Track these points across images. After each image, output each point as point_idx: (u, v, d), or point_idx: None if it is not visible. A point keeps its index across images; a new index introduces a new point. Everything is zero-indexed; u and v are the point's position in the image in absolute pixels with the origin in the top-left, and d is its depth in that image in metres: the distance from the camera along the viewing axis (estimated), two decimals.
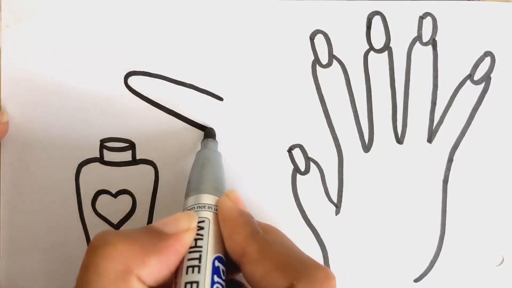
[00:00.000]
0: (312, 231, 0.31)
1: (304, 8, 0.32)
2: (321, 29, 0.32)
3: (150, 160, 0.31)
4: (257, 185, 0.31)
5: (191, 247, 0.23)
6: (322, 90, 0.32)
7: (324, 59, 0.32)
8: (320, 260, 0.31)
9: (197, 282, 0.21)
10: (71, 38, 0.31)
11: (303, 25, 0.32)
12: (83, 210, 0.31)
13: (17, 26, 0.31)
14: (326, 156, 0.32)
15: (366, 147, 0.32)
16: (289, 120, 0.31)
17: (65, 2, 0.31)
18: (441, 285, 0.31)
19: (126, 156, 0.31)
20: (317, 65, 0.32)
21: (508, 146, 0.32)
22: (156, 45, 0.31)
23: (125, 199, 0.31)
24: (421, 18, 0.32)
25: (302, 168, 0.32)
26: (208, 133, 0.30)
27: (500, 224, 0.32)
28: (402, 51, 0.32)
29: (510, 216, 0.32)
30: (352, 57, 0.32)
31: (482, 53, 0.32)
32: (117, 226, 0.31)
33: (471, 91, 0.32)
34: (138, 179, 0.31)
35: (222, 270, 0.23)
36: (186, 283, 0.21)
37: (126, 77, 0.31)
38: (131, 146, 0.31)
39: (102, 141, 0.31)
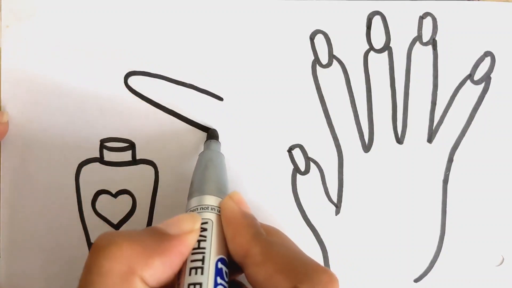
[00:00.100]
0: (312, 231, 0.31)
1: (304, 8, 0.32)
2: (321, 29, 0.32)
3: (150, 160, 0.31)
4: (257, 185, 0.31)
5: (194, 249, 0.23)
6: (322, 90, 0.32)
7: (324, 59, 0.32)
8: (320, 260, 0.31)
9: (200, 284, 0.21)
10: (71, 38, 0.31)
11: (303, 25, 0.32)
12: (83, 210, 0.31)
13: (17, 26, 0.31)
14: (326, 156, 0.32)
15: (366, 147, 0.32)
16: (289, 120, 0.31)
17: (65, 2, 0.31)
18: (441, 285, 0.31)
19: (126, 156, 0.31)
20: (317, 65, 0.32)
21: (508, 146, 0.32)
22: (156, 45, 0.31)
23: (125, 199, 0.31)
24: (421, 18, 0.32)
25: (302, 168, 0.32)
26: (211, 134, 0.30)
27: (500, 224, 0.32)
28: (402, 51, 0.32)
29: (510, 216, 0.32)
30: (352, 57, 0.32)
31: (482, 53, 0.32)
32: (117, 226, 0.31)
33: (471, 91, 0.32)
34: (138, 179, 0.31)
35: (225, 271, 0.23)
36: (189, 285, 0.21)
37: (126, 77, 0.31)
38: (131, 146, 0.31)
39: (102, 141, 0.31)
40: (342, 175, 0.32)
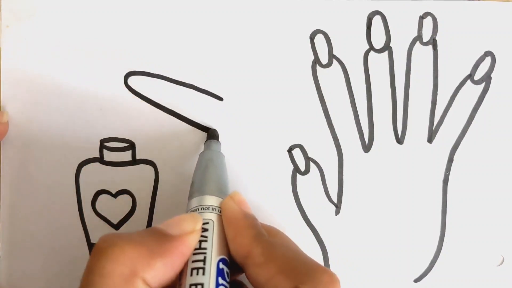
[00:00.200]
0: (312, 231, 0.31)
1: (304, 8, 0.31)
2: (321, 29, 0.32)
3: (150, 160, 0.31)
4: (257, 185, 0.31)
5: (195, 249, 0.23)
6: (322, 90, 0.32)
7: (324, 59, 0.32)
8: (320, 260, 0.31)
9: (202, 284, 0.21)
10: (71, 38, 0.31)
11: (303, 25, 0.32)
12: (83, 210, 0.31)
13: (17, 26, 0.31)
14: (326, 156, 0.32)
15: (366, 147, 0.32)
16: (289, 120, 0.31)
17: (65, 2, 0.31)
18: (441, 285, 0.31)
19: (126, 156, 0.31)
20: (317, 65, 0.32)
21: (508, 146, 0.32)
22: (156, 45, 0.31)
23: (125, 199, 0.31)
24: (421, 18, 0.32)
25: (302, 168, 0.31)
26: (211, 134, 0.30)
27: (500, 224, 0.32)
28: (402, 51, 0.32)
29: (510, 216, 0.32)
30: (352, 57, 0.32)
31: (482, 53, 0.32)
32: (117, 226, 0.31)
33: (471, 91, 0.32)
34: (138, 179, 0.31)
35: (227, 272, 0.23)
36: (190, 285, 0.21)
37: (126, 77, 0.31)
38: (131, 146, 0.31)
39: (102, 141, 0.31)
40: (342, 175, 0.32)
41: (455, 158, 0.32)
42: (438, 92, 0.32)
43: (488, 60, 0.32)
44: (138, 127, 0.31)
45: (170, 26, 0.31)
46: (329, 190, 0.32)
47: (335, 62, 0.32)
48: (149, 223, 0.31)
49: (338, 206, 0.32)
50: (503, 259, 0.32)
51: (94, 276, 0.20)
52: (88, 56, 0.31)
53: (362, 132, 0.32)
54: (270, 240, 0.23)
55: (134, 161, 0.31)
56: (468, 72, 0.32)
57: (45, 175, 0.31)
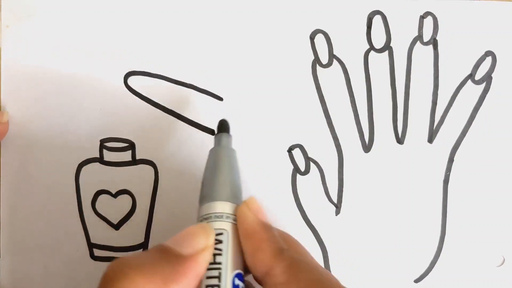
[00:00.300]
0: (312, 231, 0.31)
1: (304, 7, 0.31)
2: (321, 28, 0.32)
3: (150, 160, 0.31)
4: (257, 185, 0.31)
5: (209, 263, 0.21)
6: (322, 90, 0.32)
7: (324, 59, 0.32)
8: (320, 260, 0.31)
9: None
10: (71, 38, 0.31)
11: (303, 24, 0.31)
12: (83, 210, 0.31)
13: (17, 26, 0.31)
14: (326, 156, 0.31)
15: (366, 147, 0.32)
16: (289, 120, 0.31)
17: (65, 2, 0.31)
18: (441, 286, 0.31)
19: (126, 156, 0.31)
20: (317, 65, 0.32)
21: (508, 146, 0.32)
22: (156, 45, 0.31)
23: (125, 199, 0.31)
24: (422, 17, 0.32)
25: (302, 168, 0.31)
26: (221, 126, 0.27)
27: (501, 224, 0.31)
28: (403, 50, 0.32)
29: (510, 216, 0.32)
30: (353, 57, 0.32)
31: (483, 53, 0.32)
32: (117, 226, 0.31)
33: (472, 91, 0.32)
34: (138, 179, 0.31)
35: (242, 287, 0.21)
36: None
37: (126, 77, 0.31)
38: (131, 146, 0.31)
39: (102, 141, 0.31)
40: (342, 175, 0.32)
41: (455, 158, 0.32)
42: (439, 92, 0.32)
43: (488, 60, 0.32)
44: (138, 127, 0.31)
45: (170, 26, 0.31)
46: (329, 190, 0.32)
47: (335, 62, 0.32)
48: (149, 223, 0.31)
49: (338, 206, 0.32)
50: (504, 259, 0.31)
51: None
52: (88, 56, 0.31)
53: (362, 132, 0.32)
54: (292, 257, 0.22)
55: (134, 161, 0.31)
56: (468, 72, 0.32)
57: (45, 175, 0.31)
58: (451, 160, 0.32)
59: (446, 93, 0.32)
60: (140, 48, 0.31)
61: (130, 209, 0.31)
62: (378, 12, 0.32)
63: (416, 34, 0.32)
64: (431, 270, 0.31)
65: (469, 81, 0.32)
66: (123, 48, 0.31)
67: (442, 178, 0.32)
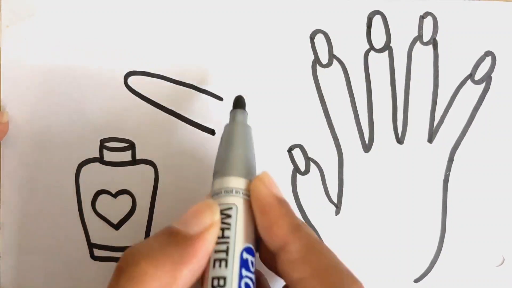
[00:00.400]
0: None
1: (304, 7, 0.31)
2: (321, 28, 0.32)
3: (150, 160, 0.31)
4: None
5: (218, 237, 0.21)
6: (322, 90, 0.32)
7: (324, 59, 0.32)
8: None
9: (225, 278, 0.20)
10: (71, 38, 0.31)
11: (303, 24, 0.31)
12: (83, 210, 0.31)
13: (17, 26, 0.31)
14: (326, 156, 0.32)
15: (366, 147, 0.32)
16: (289, 120, 0.31)
17: (65, 2, 0.31)
18: (441, 286, 0.31)
19: (126, 156, 0.31)
20: (317, 65, 0.32)
21: (508, 146, 0.32)
22: (156, 45, 0.31)
23: (125, 199, 0.31)
24: (422, 17, 0.32)
25: (302, 168, 0.31)
26: (237, 102, 0.27)
27: (501, 224, 0.32)
28: (403, 50, 0.32)
29: (510, 216, 0.32)
30: (353, 57, 0.32)
31: (482, 53, 0.32)
32: (117, 226, 0.31)
33: (471, 91, 0.32)
34: (138, 179, 0.31)
35: (251, 261, 0.21)
36: (213, 278, 0.21)
37: (126, 77, 0.31)
38: (131, 146, 0.31)
39: (102, 141, 0.31)
40: (342, 175, 0.32)
41: (455, 158, 0.32)
42: (439, 92, 0.32)
43: (488, 60, 0.32)
44: (138, 127, 0.31)
45: (170, 26, 0.31)
46: (329, 190, 0.32)
47: (335, 62, 0.32)
48: (149, 223, 0.31)
49: (338, 206, 0.32)
50: (504, 259, 0.31)
51: None
52: (88, 56, 0.31)
53: (362, 132, 0.32)
54: (308, 235, 0.22)
55: (134, 161, 0.31)
56: (468, 72, 0.32)
57: (45, 175, 0.31)
58: (451, 160, 0.32)
59: (446, 93, 0.32)
60: (140, 48, 0.31)
61: (130, 209, 0.31)
62: (378, 12, 0.32)
63: (416, 34, 0.32)
64: (431, 270, 0.31)
65: (469, 81, 0.32)
66: (123, 48, 0.31)
67: (442, 178, 0.32)
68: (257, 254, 0.24)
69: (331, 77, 0.32)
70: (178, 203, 0.31)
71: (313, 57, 0.32)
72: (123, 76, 0.31)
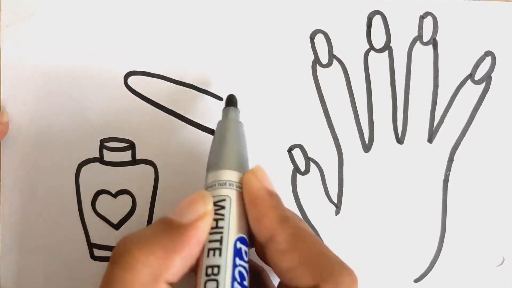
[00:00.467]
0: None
1: (304, 7, 0.31)
2: (321, 28, 0.32)
3: (150, 160, 0.31)
4: None
5: (212, 228, 0.22)
6: (322, 90, 0.32)
7: (324, 59, 0.32)
8: None
9: (218, 266, 0.21)
10: (71, 38, 0.31)
11: (303, 24, 0.31)
12: (83, 210, 0.31)
13: (17, 26, 0.31)
14: (326, 156, 0.32)
15: (366, 147, 0.32)
16: (289, 120, 0.31)
17: (65, 2, 0.31)
18: (441, 285, 0.31)
19: (126, 156, 0.31)
20: (317, 65, 0.32)
21: (508, 146, 0.32)
22: (156, 45, 0.31)
23: (125, 199, 0.31)
24: (422, 17, 0.32)
25: (302, 168, 0.31)
26: (229, 100, 0.28)
27: (501, 224, 0.32)
28: (403, 50, 0.32)
29: (510, 216, 0.32)
30: (353, 57, 0.32)
31: (482, 53, 0.32)
32: (117, 226, 0.31)
33: (471, 91, 0.32)
34: (138, 179, 0.31)
35: (245, 251, 0.22)
36: (207, 267, 0.21)
37: (126, 77, 0.31)
38: (131, 146, 0.31)
39: (102, 141, 0.31)
40: (342, 175, 0.32)
41: (455, 158, 0.32)
42: (439, 92, 0.32)
43: (488, 60, 0.32)
44: (138, 127, 0.31)
45: (170, 26, 0.31)
46: (329, 190, 0.32)
47: (335, 62, 0.32)
48: (149, 223, 0.31)
49: (338, 206, 0.32)
50: (504, 259, 0.31)
51: None
52: (88, 56, 0.31)
53: (362, 132, 0.32)
54: (296, 225, 0.22)
55: (134, 161, 0.31)
56: (468, 72, 0.32)
57: (45, 175, 0.31)
58: (451, 160, 0.32)
59: (446, 93, 0.32)
60: (140, 48, 0.31)
61: (130, 209, 0.31)
62: (378, 12, 0.32)
63: (416, 34, 0.32)
64: (431, 270, 0.31)
65: (469, 81, 0.32)
66: (123, 48, 0.31)
67: (442, 177, 0.32)
68: (254, 249, 0.24)
69: (331, 77, 0.32)
70: (178, 203, 0.31)
71: (313, 57, 0.32)
72: (123, 76, 0.31)
